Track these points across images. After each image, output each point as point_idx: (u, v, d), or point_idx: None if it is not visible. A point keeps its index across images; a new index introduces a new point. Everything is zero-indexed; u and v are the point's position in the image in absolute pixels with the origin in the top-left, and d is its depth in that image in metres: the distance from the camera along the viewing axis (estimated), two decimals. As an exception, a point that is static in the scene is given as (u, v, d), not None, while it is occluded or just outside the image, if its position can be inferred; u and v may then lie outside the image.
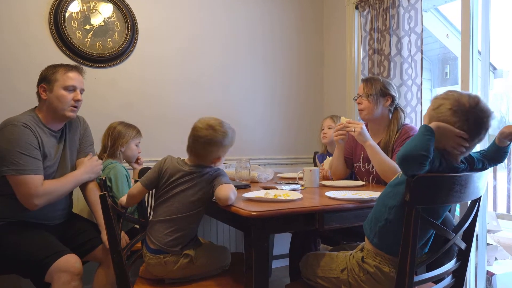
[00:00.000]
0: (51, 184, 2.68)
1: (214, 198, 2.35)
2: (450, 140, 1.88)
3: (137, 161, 3.58)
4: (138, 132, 3.48)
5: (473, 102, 1.87)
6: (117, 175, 3.17)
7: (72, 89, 2.78)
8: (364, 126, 2.95)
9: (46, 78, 2.75)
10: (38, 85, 2.77)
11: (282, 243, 4.43)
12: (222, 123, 2.44)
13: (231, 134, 2.47)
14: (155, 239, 2.41)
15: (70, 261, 2.55)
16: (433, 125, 1.86)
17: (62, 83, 2.74)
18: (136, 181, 3.23)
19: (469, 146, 1.92)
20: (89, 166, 2.93)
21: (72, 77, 2.78)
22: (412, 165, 1.73)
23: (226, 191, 2.25)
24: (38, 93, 2.78)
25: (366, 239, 2.07)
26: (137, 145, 3.48)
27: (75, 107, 2.81)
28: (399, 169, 2.84)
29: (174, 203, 2.40)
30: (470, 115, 1.87)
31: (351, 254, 2.17)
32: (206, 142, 2.39)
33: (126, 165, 3.50)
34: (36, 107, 2.82)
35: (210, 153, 2.42)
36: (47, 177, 2.72)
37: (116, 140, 3.34)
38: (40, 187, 2.60)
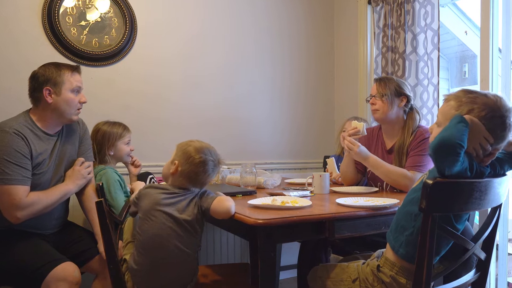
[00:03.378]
0: (36, 196, 2.64)
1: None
2: (476, 139, 1.88)
3: (133, 163, 3.54)
4: (124, 129, 3.40)
5: (500, 104, 1.89)
6: (108, 181, 3.14)
7: (78, 90, 2.81)
8: (361, 147, 2.97)
9: (51, 80, 2.72)
10: (39, 87, 2.72)
11: (290, 253, 4.42)
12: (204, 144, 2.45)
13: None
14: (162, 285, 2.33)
15: (68, 269, 2.56)
16: (467, 117, 1.86)
17: (70, 85, 2.76)
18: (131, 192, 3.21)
19: (495, 148, 1.94)
20: (74, 176, 2.87)
21: (78, 79, 2.81)
22: (448, 155, 1.71)
23: (224, 203, 2.25)
24: (36, 96, 2.74)
25: (389, 249, 2.07)
26: (127, 144, 3.40)
27: (79, 109, 2.84)
28: (409, 174, 2.86)
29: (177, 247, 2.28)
30: (501, 118, 1.89)
31: (363, 263, 2.17)
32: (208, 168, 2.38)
33: (124, 170, 3.51)
34: (30, 109, 2.82)
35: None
36: (42, 183, 2.73)
37: (102, 144, 3.27)
38: (25, 198, 2.57)
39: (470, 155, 1.89)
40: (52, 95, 2.72)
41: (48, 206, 2.70)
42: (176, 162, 2.36)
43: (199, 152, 2.34)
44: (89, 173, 2.96)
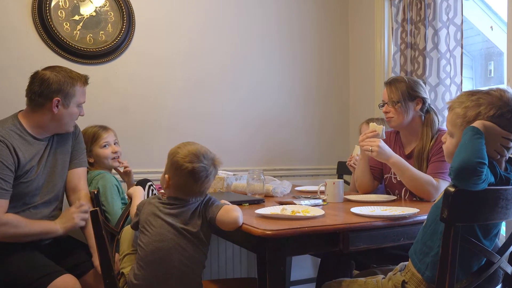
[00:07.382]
0: (15, 218, 2.61)
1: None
2: (495, 142, 1.91)
3: (124, 168, 3.47)
4: (99, 129, 3.36)
5: (506, 98, 1.93)
6: (106, 185, 3.16)
7: (81, 105, 2.87)
8: (382, 143, 2.91)
9: (63, 91, 2.73)
10: (50, 95, 2.71)
11: (301, 266, 4.41)
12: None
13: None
14: None
15: (69, 282, 2.58)
16: (478, 124, 1.88)
17: (78, 100, 2.81)
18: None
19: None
20: (65, 217, 2.82)
21: (85, 92, 2.86)
22: (470, 178, 1.71)
23: (231, 212, 2.24)
24: (39, 101, 2.72)
25: (412, 266, 2.06)
26: (104, 146, 3.32)
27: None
28: (434, 181, 2.84)
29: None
30: (511, 112, 1.93)
31: (384, 277, 2.16)
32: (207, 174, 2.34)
33: (119, 177, 3.51)
34: (20, 111, 2.82)
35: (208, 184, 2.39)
36: (32, 192, 2.74)
37: None
38: (2, 214, 2.55)
39: (492, 162, 1.90)
40: (59, 106, 2.74)
41: (25, 235, 2.65)
42: (167, 175, 2.33)
43: (186, 160, 2.28)
44: (82, 219, 2.85)
